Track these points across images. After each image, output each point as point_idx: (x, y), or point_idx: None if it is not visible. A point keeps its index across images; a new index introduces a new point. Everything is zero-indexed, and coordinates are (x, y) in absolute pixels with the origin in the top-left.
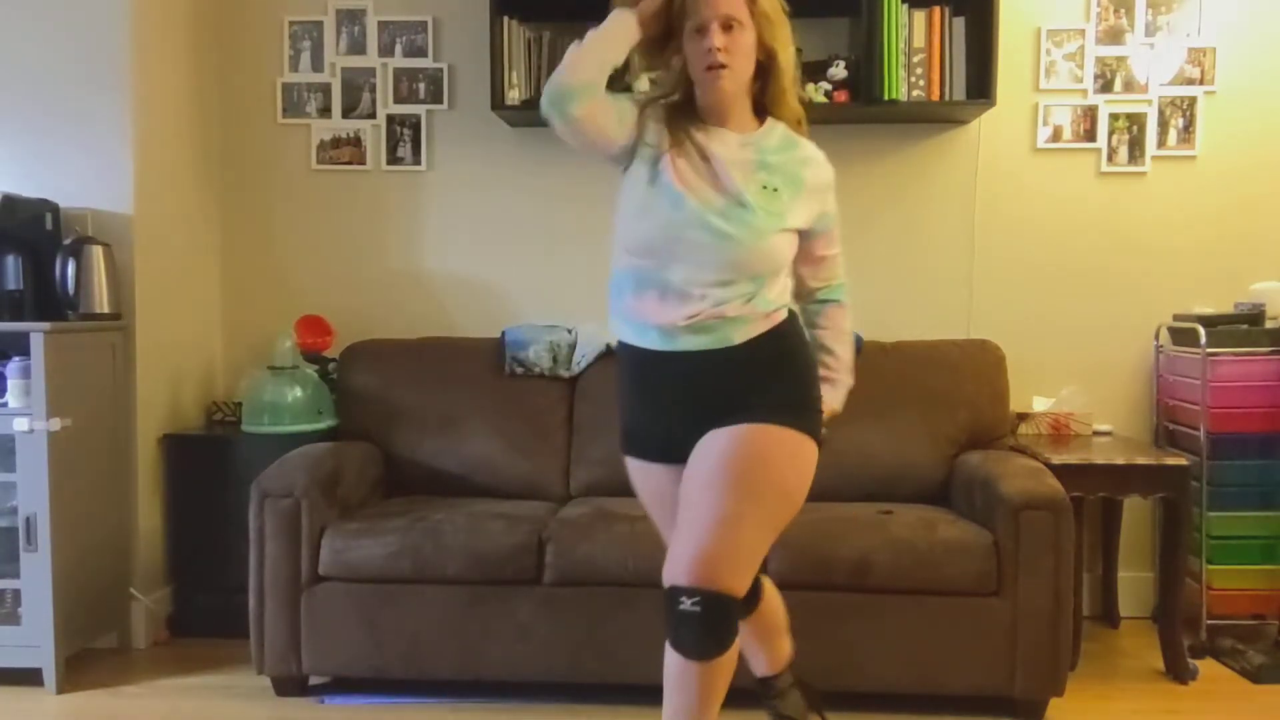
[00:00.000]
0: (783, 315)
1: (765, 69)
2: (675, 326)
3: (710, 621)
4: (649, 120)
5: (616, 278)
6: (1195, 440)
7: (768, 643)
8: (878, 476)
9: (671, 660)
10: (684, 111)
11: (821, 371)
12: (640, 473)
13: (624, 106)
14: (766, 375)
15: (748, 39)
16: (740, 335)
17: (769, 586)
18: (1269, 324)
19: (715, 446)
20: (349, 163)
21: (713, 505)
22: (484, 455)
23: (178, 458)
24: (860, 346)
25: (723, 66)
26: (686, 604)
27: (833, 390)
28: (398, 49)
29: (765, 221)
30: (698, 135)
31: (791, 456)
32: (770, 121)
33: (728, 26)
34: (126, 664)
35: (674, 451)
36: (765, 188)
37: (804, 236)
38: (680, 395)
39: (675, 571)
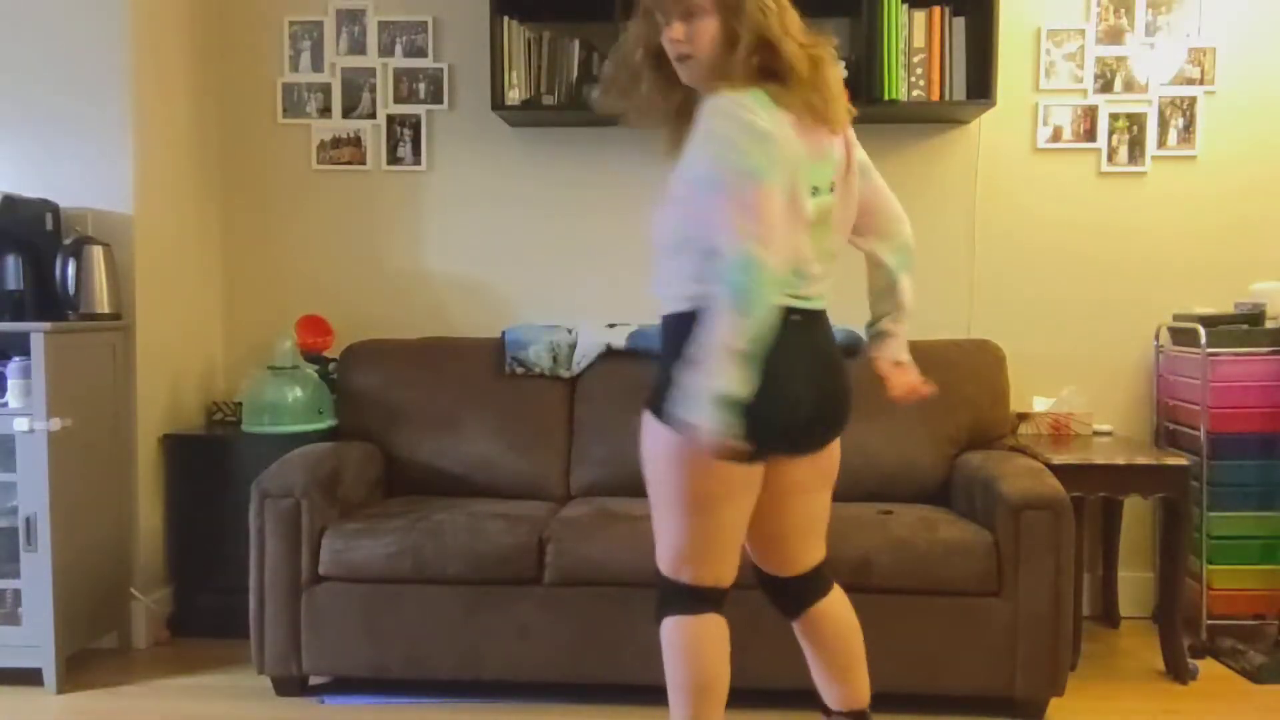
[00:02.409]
0: (679, 306)
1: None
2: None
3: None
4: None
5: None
6: (1195, 440)
7: (828, 671)
8: (878, 476)
9: None
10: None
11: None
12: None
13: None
14: (659, 367)
15: (709, 25)
16: (665, 308)
17: (833, 615)
18: (1269, 324)
19: None
20: (349, 163)
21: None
22: (484, 455)
23: (178, 458)
24: (860, 346)
25: (688, 56)
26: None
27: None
28: (398, 49)
29: (664, 202)
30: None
31: (655, 443)
32: None
33: (687, 16)
34: (126, 664)
35: None
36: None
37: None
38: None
39: None
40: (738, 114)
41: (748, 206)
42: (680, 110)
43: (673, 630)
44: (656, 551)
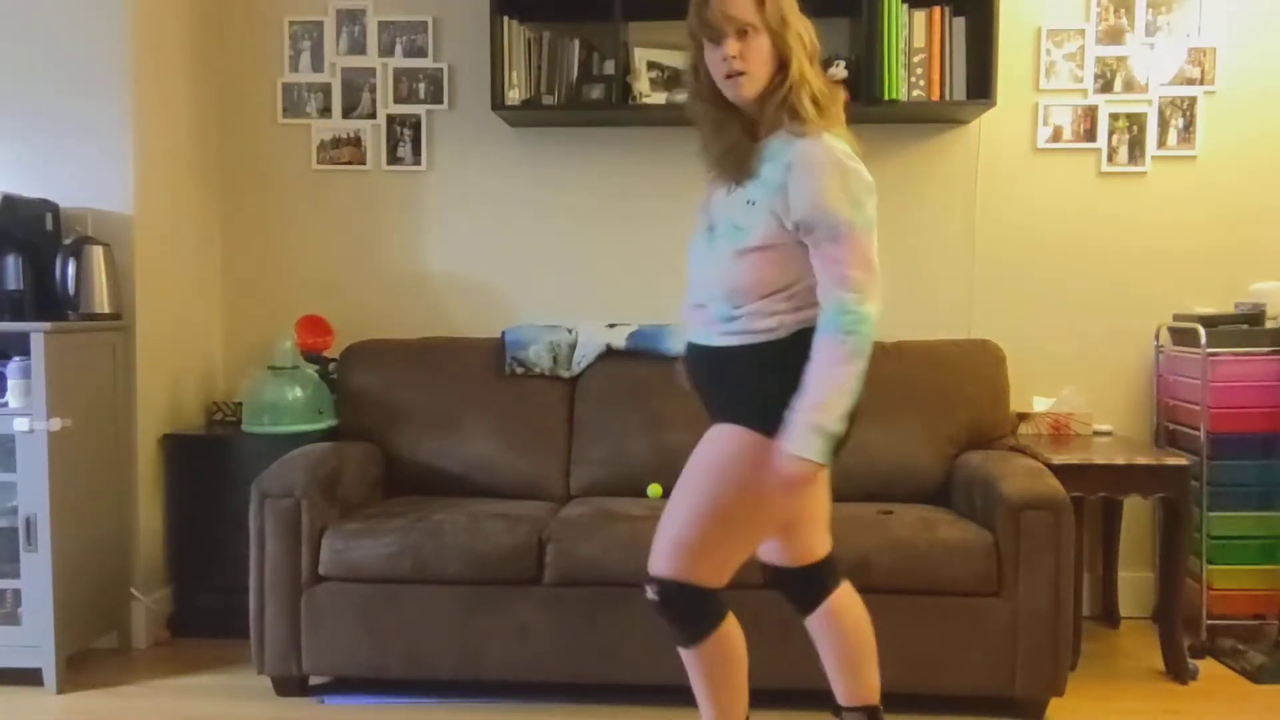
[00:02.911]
0: (755, 339)
1: (779, 72)
2: (696, 332)
3: (667, 611)
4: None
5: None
6: (1195, 440)
7: (837, 666)
8: (878, 476)
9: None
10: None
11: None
12: None
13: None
14: (732, 388)
15: (762, 43)
16: (724, 342)
17: (846, 609)
18: (1269, 324)
19: (698, 447)
20: (349, 163)
21: (681, 501)
22: (484, 455)
23: (178, 458)
24: None
25: (741, 74)
26: (649, 592)
27: (790, 428)
28: (398, 49)
29: (725, 244)
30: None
31: (744, 457)
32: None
33: (741, 33)
34: (126, 664)
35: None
36: (749, 203)
37: (805, 235)
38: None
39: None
40: (851, 165)
41: (870, 261)
42: (738, 138)
43: (718, 644)
44: (670, 557)
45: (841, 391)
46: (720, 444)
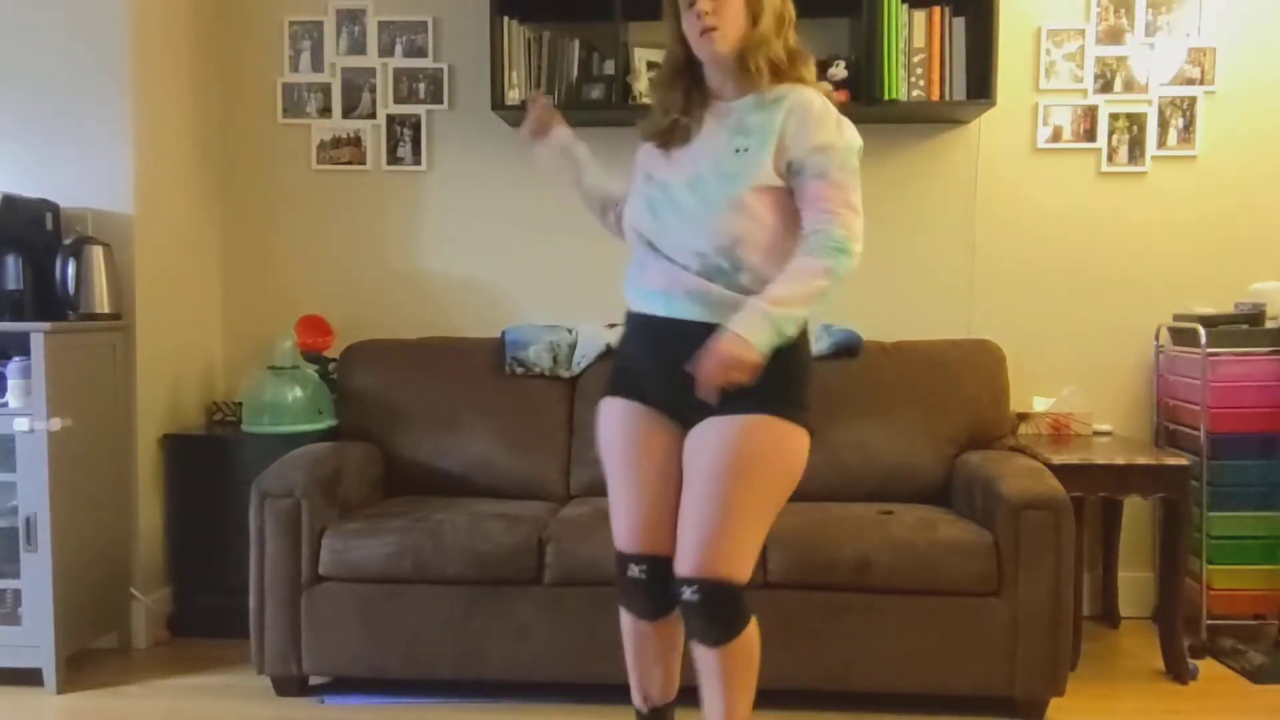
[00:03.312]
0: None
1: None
2: (673, 289)
3: (712, 611)
4: (640, 153)
5: (628, 271)
6: (1195, 440)
7: (666, 664)
8: (878, 476)
9: (694, 648)
10: (693, 92)
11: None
12: (629, 416)
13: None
14: (764, 367)
15: (734, 2)
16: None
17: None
18: (1269, 324)
19: (714, 437)
20: (349, 163)
21: (713, 498)
22: (484, 455)
23: (178, 458)
24: (860, 347)
25: (713, 29)
26: (687, 594)
27: (741, 314)
28: (398, 49)
29: (718, 189)
30: (702, 114)
31: (782, 447)
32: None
33: None
34: (126, 664)
35: (673, 405)
36: (737, 151)
37: (792, 178)
38: (679, 368)
39: (681, 558)
40: (839, 116)
41: (858, 208)
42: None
43: (747, 642)
44: (731, 564)
45: (804, 300)
46: (753, 439)
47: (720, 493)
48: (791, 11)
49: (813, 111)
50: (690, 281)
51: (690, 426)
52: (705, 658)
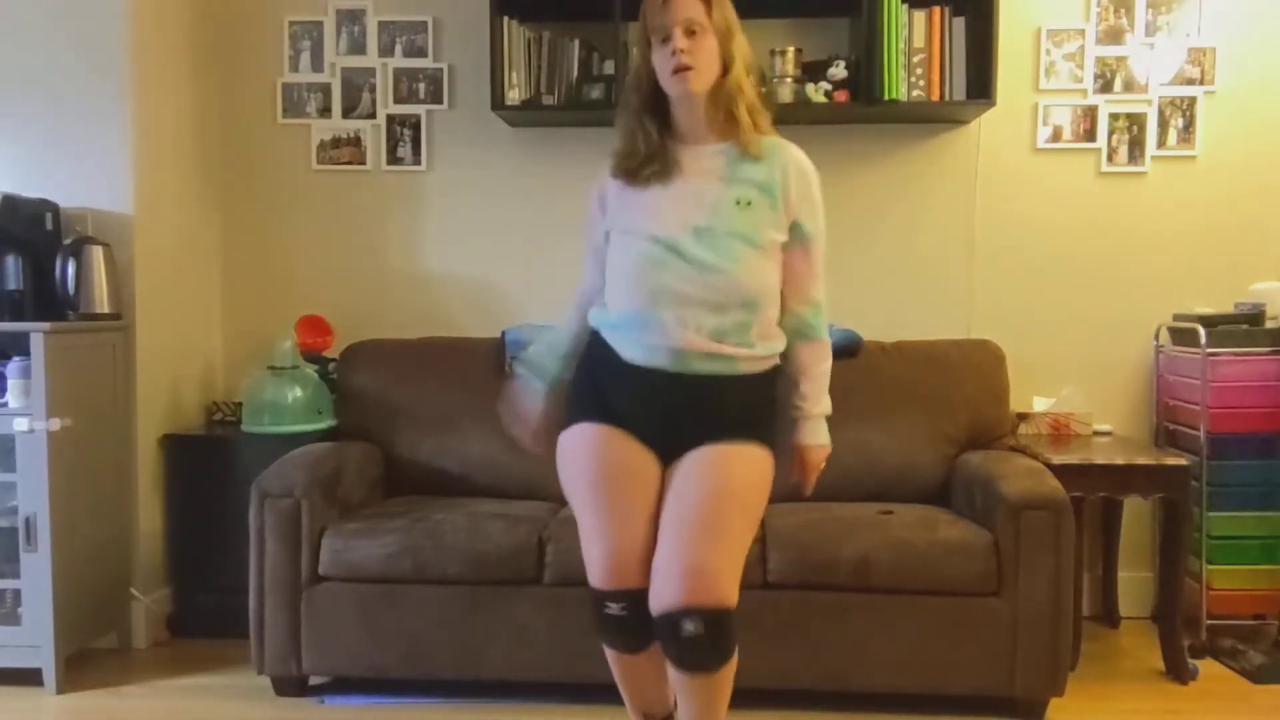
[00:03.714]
0: (775, 360)
1: (722, 79)
2: (685, 351)
3: (713, 641)
4: (608, 190)
5: (613, 317)
6: (1195, 440)
7: (659, 683)
8: (878, 476)
9: (675, 673)
10: (661, 129)
11: (792, 412)
12: (601, 443)
13: (599, 244)
14: (754, 409)
15: (709, 43)
16: (743, 369)
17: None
18: (1269, 324)
19: (713, 463)
20: (349, 163)
21: (712, 524)
22: (484, 455)
23: (178, 458)
24: (860, 347)
25: (688, 68)
26: (688, 628)
27: (809, 425)
28: (398, 49)
29: (736, 244)
30: (675, 153)
31: (765, 473)
32: (744, 129)
33: (690, 31)
34: (126, 664)
35: (651, 437)
36: (738, 203)
37: (791, 238)
38: (674, 408)
39: (672, 588)
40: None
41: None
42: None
43: (734, 662)
44: (726, 588)
45: (828, 385)
46: (753, 467)
47: (726, 524)
48: (752, 58)
49: (810, 175)
50: (702, 345)
51: (670, 457)
52: (688, 682)
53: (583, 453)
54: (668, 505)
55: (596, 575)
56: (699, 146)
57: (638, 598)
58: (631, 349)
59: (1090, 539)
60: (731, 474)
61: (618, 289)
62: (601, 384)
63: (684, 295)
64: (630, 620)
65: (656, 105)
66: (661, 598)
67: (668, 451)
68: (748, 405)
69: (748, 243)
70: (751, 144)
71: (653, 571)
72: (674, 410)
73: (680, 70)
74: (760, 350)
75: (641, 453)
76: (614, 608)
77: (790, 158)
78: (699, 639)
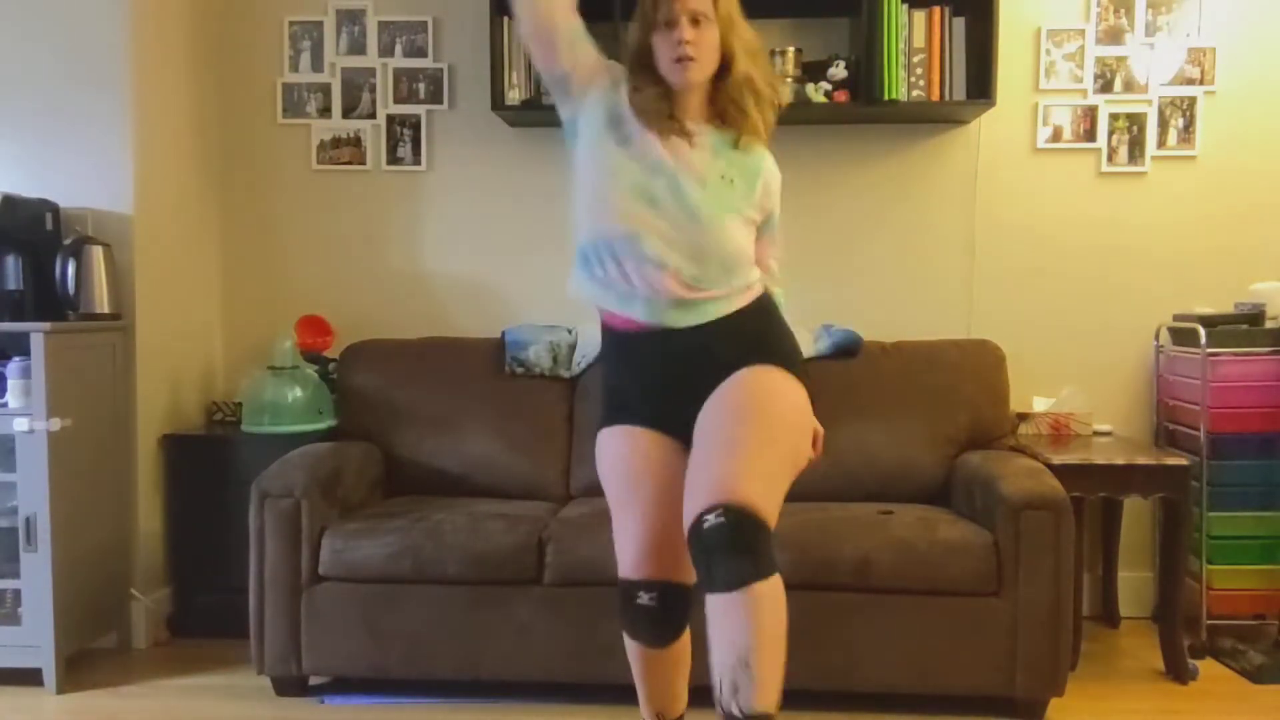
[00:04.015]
0: (760, 289)
1: (722, 71)
2: (661, 300)
3: (740, 538)
4: (616, 91)
5: (588, 250)
6: (1195, 440)
7: (675, 683)
8: (878, 476)
9: (715, 609)
10: (659, 99)
11: None
12: (625, 441)
13: (584, 43)
14: (756, 338)
15: (712, 35)
16: (723, 309)
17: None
18: (1269, 324)
19: (721, 399)
20: (349, 163)
21: (730, 438)
22: (484, 455)
23: (178, 458)
24: (860, 347)
25: (691, 59)
26: (710, 520)
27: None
28: (398, 49)
29: (730, 202)
30: (677, 118)
31: (791, 393)
32: (753, 120)
33: (695, 21)
34: (126, 664)
35: (666, 422)
36: (723, 177)
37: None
38: (671, 374)
39: (697, 502)
40: None
41: None
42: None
43: (781, 588)
44: (756, 495)
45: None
46: (781, 385)
47: (737, 432)
48: (758, 46)
49: (778, 185)
50: (675, 290)
51: (688, 431)
52: (727, 609)
53: (607, 457)
54: (695, 441)
55: (627, 565)
56: (708, 130)
57: (667, 589)
58: (606, 297)
59: (1090, 539)
60: (746, 392)
61: (600, 208)
62: (614, 379)
63: (670, 237)
64: (659, 611)
65: (654, 79)
66: (688, 514)
67: (682, 422)
68: (748, 336)
69: (733, 210)
70: (745, 138)
71: (684, 498)
72: (661, 379)
73: (683, 60)
74: (738, 283)
75: (657, 444)
76: (644, 597)
77: (770, 167)
78: (721, 530)
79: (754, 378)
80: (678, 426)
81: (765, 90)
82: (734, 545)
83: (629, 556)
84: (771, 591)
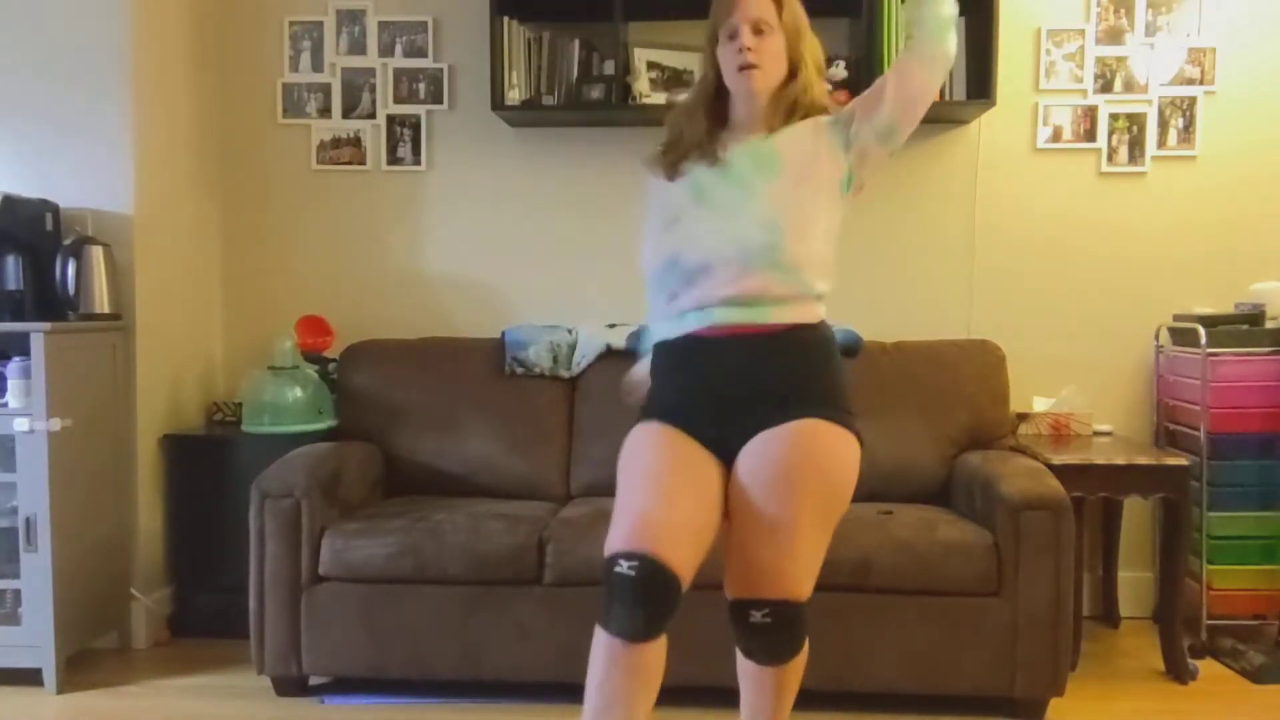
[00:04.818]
0: (821, 314)
1: (788, 78)
2: (712, 300)
3: (785, 635)
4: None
5: (658, 316)
6: (1195, 440)
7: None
8: (878, 476)
9: (745, 663)
10: (717, 124)
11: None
12: (659, 434)
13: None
14: (810, 372)
15: (777, 43)
16: (777, 317)
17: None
18: (1269, 324)
19: (774, 447)
20: (349, 163)
21: (781, 521)
22: (484, 455)
23: (178, 458)
24: (860, 347)
25: (754, 66)
26: (757, 617)
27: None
28: (398, 49)
29: (760, 175)
30: (723, 141)
31: (845, 456)
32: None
33: (758, 30)
34: (126, 664)
35: (706, 437)
36: (761, 168)
37: (855, 150)
38: (720, 391)
39: (745, 586)
40: None
41: None
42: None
43: (805, 650)
44: (802, 585)
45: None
46: (836, 448)
47: (789, 513)
48: (823, 61)
49: (834, 115)
50: (722, 289)
51: (730, 455)
52: (758, 673)
53: (637, 442)
54: (739, 501)
55: (618, 540)
56: (749, 137)
57: (652, 566)
58: (666, 328)
59: (1090, 539)
60: (796, 457)
61: (656, 284)
62: (663, 390)
63: (713, 237)
64: (637, 583)
65: (717, 102)
66: (732, 588)
67: (729, 444)
68: (805, 367)
69: (766, 178)
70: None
71: (725, 559)
72: (722, 385)
73: (745, 68)
74: (795, 281)
75: (698, 450)
76: (624, 565)
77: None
78: (765, 628)
79: (810, 439)
80: (717, 446)
81: (814, 110)
82: (778, 641)
83: (620, 532)
84: (802, 658)
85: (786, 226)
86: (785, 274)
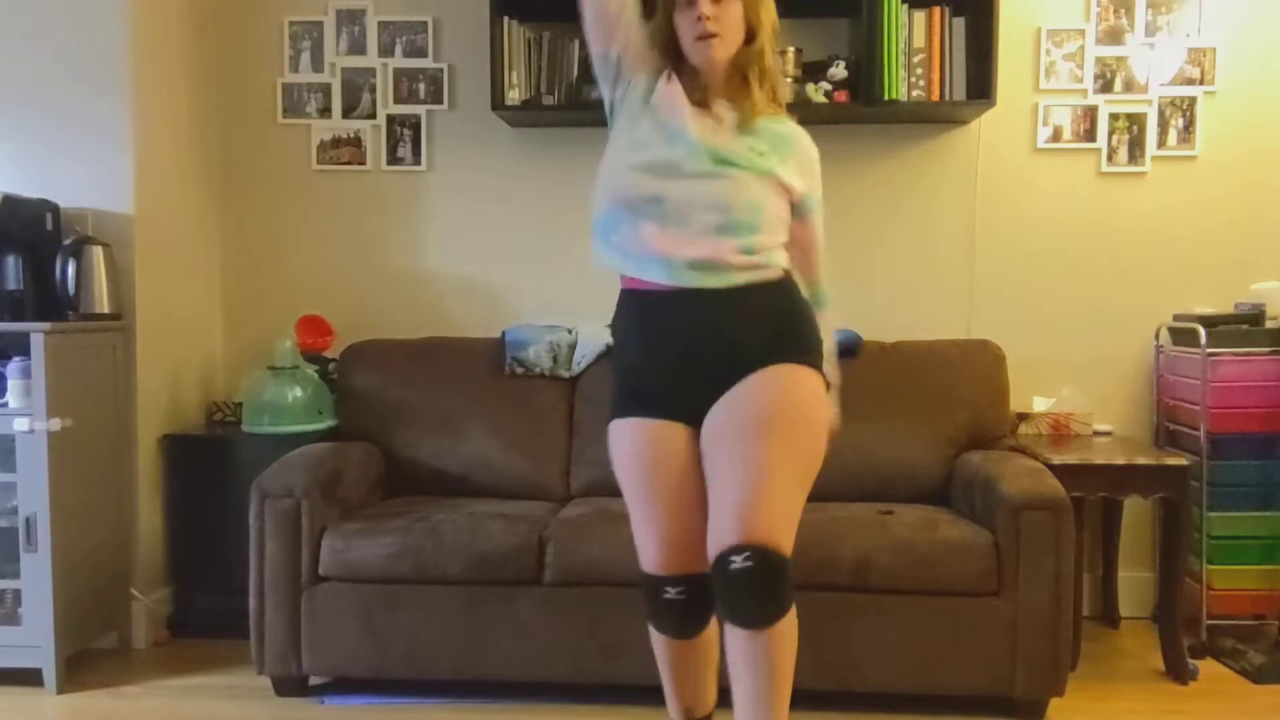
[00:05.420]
0: (783, 271)
1: (746, 46)
2: (678, 260)
3: (766, 582)
4: (655, 78)
5: (604, 220)
6: (1195, 440)
7: (704, 677)
8: (878, 476)
9: (736, 638)
10: (682, 79)
11: None
12: (640, 435)
13: (638, 28)
14: (778, 322)
15: (735, 10)
16: (744, 278)
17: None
18: (1269, 324)
19: (742, 403)
20: (349, 163)
21: (750, 459)
22: (484, 455)
23: (178, 458)
24: (860, 346)
25: (713, 35)
26: (737, 563)
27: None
28: (398, 49)
29: (754, 165)
30: (700, 95)
31: (809, 389)
32: (755, 97)
33: None
34: (126, 664)
35: (680, 409)
36: (752, 150)
37: (794, 213)
38: (690, 351)
39: (723, 535)
40: None
41: None
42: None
43: (794, 621)
44: (779, 531)
45: (835, 358)
46: (806, 388)
47: (787, 456)
48: (777, 26)
49: (817, 162)
50: (692, 249)
51: (702, 418)
52: (749, 645)
53: (620, 452)
54: (710, 448)
55: (651, 561)
56: (739, 107)
57: (693, 582)
58: (625, 260)
59: (1090, 539)
60: (786, 400)
61: (620, 177)
62: (627, 359)
63: (690, 197)
64: (688, 604)
65: (676, 64)
66: (713, 547)
67: (696, 408)
68: (772, 318)
69: (761, 171)
70: (749, 117)
71: (709, 518)
72: (677, 355)
73: (704, 37)
74: (761, 258)
75: (671, 437)
76: (672, 592)
77: (803, 139)
78: (747, 574)
79: (775, 380)
80: (692, 413)
81: (768, 76)
82: (760, 590)
83: (652, 553)
84: (788, 627)
85: (769, 220)
86: (753, 254)
